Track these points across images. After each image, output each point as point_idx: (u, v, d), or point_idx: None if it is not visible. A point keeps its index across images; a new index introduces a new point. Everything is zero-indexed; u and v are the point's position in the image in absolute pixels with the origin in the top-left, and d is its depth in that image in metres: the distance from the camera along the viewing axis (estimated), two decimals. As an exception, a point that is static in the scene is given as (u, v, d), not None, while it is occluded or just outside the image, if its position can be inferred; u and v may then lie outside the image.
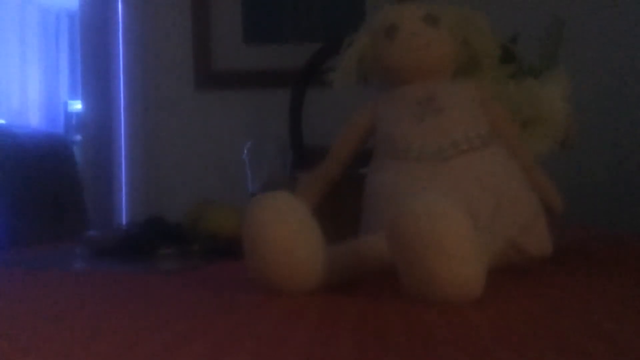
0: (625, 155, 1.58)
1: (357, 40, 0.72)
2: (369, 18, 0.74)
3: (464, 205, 0.49)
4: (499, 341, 0.38)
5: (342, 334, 0.40)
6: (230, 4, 1.72)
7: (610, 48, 1.61)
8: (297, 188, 0.70)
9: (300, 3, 1.71)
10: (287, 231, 0.50)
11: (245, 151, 1.19)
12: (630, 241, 0.92)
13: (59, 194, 1.37)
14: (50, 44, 3.12)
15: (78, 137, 2.38)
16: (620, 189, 1.57)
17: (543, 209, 0.64)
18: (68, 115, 3.16)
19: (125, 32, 1.82)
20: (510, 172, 0.63)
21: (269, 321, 0.43)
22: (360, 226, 0.64)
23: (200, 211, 0.87)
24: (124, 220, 1.81)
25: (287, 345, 0.37)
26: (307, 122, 1.26)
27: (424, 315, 0.44)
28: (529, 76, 0.72)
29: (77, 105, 2.95)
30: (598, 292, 0.54)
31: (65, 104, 3.21)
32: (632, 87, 1.59)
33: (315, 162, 0.73)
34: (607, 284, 0.58)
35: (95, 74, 1.84)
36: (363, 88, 0.74)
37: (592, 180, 1.56)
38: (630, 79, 1.59)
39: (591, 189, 1.54)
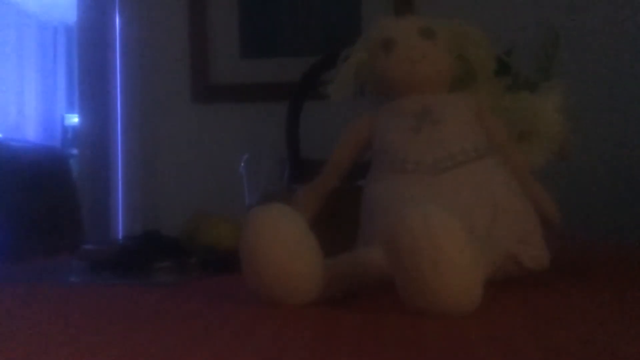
0: (623, 164, 1.58)
1: (354, 53, 0.73)
2: (365, 32, 0.74)
3: (460, 216, 0.49)
4: (496, 353, 0.38)
5: (340, 346, 0.40)
6: (228, 18, 1.73)
7: (607, 58, 1.61)
8: (294, 200, 0.70)
9: (297, 18, 1.72)
10: (284, 244, 0.50)
11: (242, 164, 1.19)
12: (628, 252, 0.92)
13: (55, 207, 1.36)
14: (47, 58, 3.13)
15: (74, 151, 2.38)
16: (617, 199, 1.57)
17: (540, 221, 0.64)
18: (65, 129, 3.17)
19: (123, 46, 1.83)
20: (506, 184, 0.63)
21: (267, 333, 0.43)
22: (357, 238, 0.64)
23: (198, 224, 0.87)
24: (120, 233, 1.81)
25: (285, 356, 0.37)
26: (304, 136, 1.26)
27: (422, 327, 0.44)
28: (525, 89, 0.72)
29: (74, 119, 2.96)
30: (596, 303, 0.54)
31: (62, 118, 3.21)
32: (629, 97, 1.60)
33: (312, 174, 0.73)
34: (605, 295, 0.58)
35: (92, 88, 1.84)
36: (359, 102, 0.74)
37: (590, 190, 1.56)
38: (628, 89, 1.60)
39: (588, 199, 1.54)
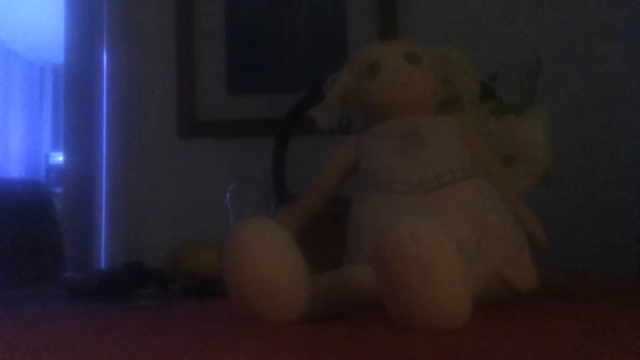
0: (608, 193, 1.57)
1: (340, 78, 0.73)
2: (352, 57, 0.75)
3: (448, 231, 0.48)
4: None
5: None
6: (215, 55, 1.75)
7: (589, 83, 1.61)
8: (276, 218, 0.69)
9: (284, 55, 1.74)
10: (270, 256, 0.49)
11: (228, 195, 1.18)
12: (617, 282, 0.92)
13: (37, 240, 1.34)
14: (34, 97, 3.13)
15: (58, 189, 2.35)
16: (601, 229, 1.56)
17: (527, 242, 0.64)
18: (49, 168, 3.15)
19: (110, 83, 1.83)
20: (494, 204, 0.63)
21: (249, 348, 0.42)
22: (343, 259, 0.63)
23: (181, 251, 0.86)
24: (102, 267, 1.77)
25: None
26: (290, 171, 1.26)
27: (410, 344, 0.42)
28: (509, 113, 0.73)
29: (58, 158, 2.94)
30: (589, 321, 0.53)
31: (47, 156, 3.19)
32: (612, 122, 1.60)
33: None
34: (597, 315, 0.57)
35: (78, 126, 1.82)
36: (345, 136, 0.73)
37: (574, 219, 1.54)
38: (611, 114, 1.60)
39: (573, 228, 1.52)
